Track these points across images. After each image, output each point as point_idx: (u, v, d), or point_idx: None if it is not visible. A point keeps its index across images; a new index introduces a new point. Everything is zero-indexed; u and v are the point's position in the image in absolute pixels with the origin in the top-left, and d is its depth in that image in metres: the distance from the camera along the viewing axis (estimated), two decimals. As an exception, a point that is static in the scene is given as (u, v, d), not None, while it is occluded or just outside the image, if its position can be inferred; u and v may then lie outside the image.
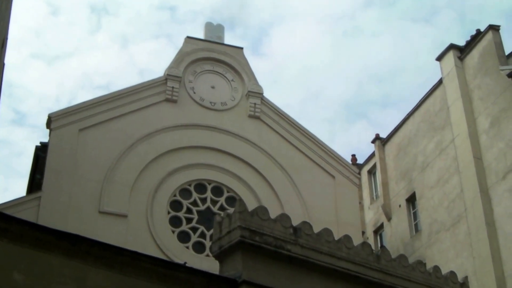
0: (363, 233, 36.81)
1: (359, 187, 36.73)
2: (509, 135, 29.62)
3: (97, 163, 29.47)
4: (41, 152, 30.26)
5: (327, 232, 16.33)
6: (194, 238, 30.04)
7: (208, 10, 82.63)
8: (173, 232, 29.76)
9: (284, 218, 15.81)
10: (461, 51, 33.89)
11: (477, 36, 33.08)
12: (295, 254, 15.40)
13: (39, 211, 27.46)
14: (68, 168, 28.88)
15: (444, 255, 31.24)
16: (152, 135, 31.08)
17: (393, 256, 17.55)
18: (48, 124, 29.83)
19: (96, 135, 30.27)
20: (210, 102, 33.17)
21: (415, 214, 35.32)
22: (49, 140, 29.68)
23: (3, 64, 27.34)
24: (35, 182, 30.59)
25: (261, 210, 15.54)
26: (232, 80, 34.25)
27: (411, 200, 35.61)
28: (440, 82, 34.82)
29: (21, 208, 26.97)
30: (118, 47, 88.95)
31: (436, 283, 17.92)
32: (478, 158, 30.95)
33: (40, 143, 30.55)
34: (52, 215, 26.93)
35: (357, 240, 18.01)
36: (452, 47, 34.30)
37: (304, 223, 16.18)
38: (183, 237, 29.88)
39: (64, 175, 28.64)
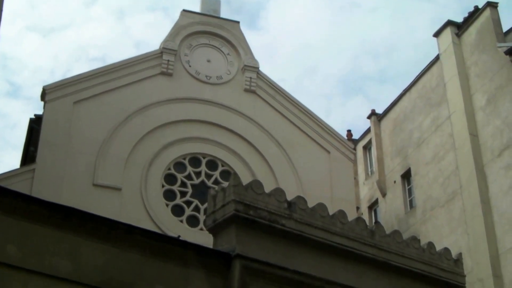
0: (358, 208, 36.82)
1: (354, 162, 36.66)
2: (505, 113, 29.56)
3: (91, 135, 29.37)
4: (35, 124, 30.14)
5: (321, 207, 16.29)
6: (188, 211, 30.02)
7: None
8: (167, 205, 29.73)
9: (278, 192, 15.75)
10: (459, 28, 33.73)
11: (475, 13, 32.90)
12: (289, 229, 15.36)
13: (32, 184, 27.38)
14: (62, 140, 28.76)
15: (439, 232, 31.26)
16: (147, 108, 30.97)
17: (388, 232, 17.53)
18: (43, 97, 29.68)
19: (91, 107, 30.15)
20: (206, 76, 33.04)
21: (410, 190, 35.33)
22: (43, 113, 29.54)
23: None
24: (29, 154, 30.51)
25: (256, 184, 15.48)
26: (228, 54, 34.10)
27: (406, 176, 35.59)
28: (437, 58, 34.69)
29: (14, 180, 26.88)
30: (114, 19, 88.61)
31: (430, 260, 17.91)
32: (474, 135, 30.89)
33: (35, 115, 30.42)
34: (45, 188, 26.85)
35: (351, 216, 17.95)
36: (449, 23, 34.13)
37: (299, 197, 16.13)
38: (177, 211, 29.86)
39: (58, 148, 28.54)
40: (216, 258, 14.53)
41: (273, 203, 15.37)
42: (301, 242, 15.56)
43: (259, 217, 15.01)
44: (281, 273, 14.84)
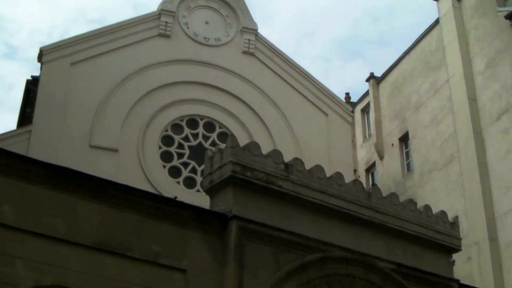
0: (355, 171, 36.80)
1: (352, 125, 36.62)
2: (504, 77, 29.45)
3: (88, 97, 29.23)
4: (32, 86, 30.03)
5: (318, 169, 16.29)
6: (185, 173, 30.02)
7: None
8: (164, 167, 29.71)
9: (275, 154, 15.75)
10: (459, -9, 33.49)
11: (476, -24, 32.66)
12: (286, 190, 15.38)
13: (29, 145, 27.30)
14: (59, 102, 28.64)
15: (436, 195, 31.30)
16: (144, 70, 30.80)
17: (384, 194, 17.56)
18: (40, 58, 29.50)
19: (88, 69, 29.98)
20: (204, 38, 32.83)
21: (407, 154, 35.31)
22: (40, 74, 29.38)
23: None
24: (26, 116, 30.43)
25: (253, 146, 15.47)
26: (227, 16, 33.86)
27: (404, 139, 35.55)
28: (436, 22, 34.46)
29: (11, 141, 26.78)
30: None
31: (427, 222, 17.97)
32: (472, 99, 30.81)
33: (31, 76, 30.28)
34: (42, 149, 26.75)
35: (348, 178, 17.97)
36: (450, -14, 33.87)
37: (296, 159, 16.12)
38: (174, 172, 29.85)
39: (55, 109, 28.42)
40: (212, 219, 14.57)
41: (270, 165, 15.37)
42: (298, 204, 15.59)
43: (256, 179, 15.02)
44: (277, 234, 14.89)
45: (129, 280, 13.18)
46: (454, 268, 18.83)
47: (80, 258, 12.78)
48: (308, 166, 16.18)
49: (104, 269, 12.96)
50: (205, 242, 14.29)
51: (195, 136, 30.89)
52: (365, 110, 39.84)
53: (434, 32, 34.56)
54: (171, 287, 13.65)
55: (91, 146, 28.38)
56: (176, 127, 30.77)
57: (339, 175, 16.65)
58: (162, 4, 32.64)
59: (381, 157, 36.65)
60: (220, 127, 31.34)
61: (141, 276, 13.34)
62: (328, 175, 16.47)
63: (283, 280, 14.69)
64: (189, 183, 29.81)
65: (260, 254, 14.55)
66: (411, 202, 18.15)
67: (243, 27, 33.47)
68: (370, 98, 38.60)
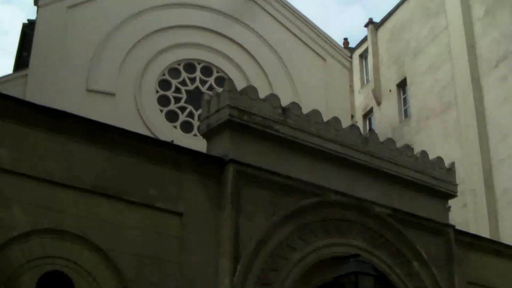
0: (352, 117, 36.82)
1: (350, 70, 36.53)
2: (503, 24, 29.26)
3: (85, 41, 29.06)
4: (28, 29, 29.84)
5: (315, 113, 16.25)
6: (182, 117, 30.00)
7: None
8: (161, 111, 29.69)
9: (273, 98, 15.69)
10: None
11: None
12: (283, 134, 15.35)
13: (25, 89, 27.24)
14: (56, 45, 28.48)
15: (433, 141, 31.32)
16: (142, 13, 30.57)
17: (381, 140, 17.55)
18: (36, 1, 29.25)
19: (85, 12, 29.74)
20: (201, -19, 32.55)
21: (405, 100, 35.26)
22: (36, 18, 29.18)
23: None
24: (22, 60, 30.31)
25: (250, 90, 15.40)
26: (224, -41, 33.51)
27: (402, 85, 35.46)
28: (436, -34, 34.16)
29: (7, 85, 26.65)
30: None
31: (423, 168, 17.98)
32: (471, 46, 30.66)
33: (28, 20, 30.12)
34: (38, 93, 26.63)
35: (346, 124, 17.94)
36: None
37: (293, 103, 16.07)
38: (171, 117, 29.85)
39: (51, 53, 28.27)
40: (209, 163, 14.56)
41: (267, 109, 15.32)
42: (295, 148, 15.58)
43: (253, 123, 14.98)
44: (274, 178, 14.91)
45: (126, 224, 13.21)
46: (450, 214, 18.91)
47: (76, 201, 12.78)
48: (305, 111, 16.14)
49: (100, 212, 12.98)
50: (202, 186, 14.31)
51: (192, 80, 30.80)
52: (363, 56, 39.65)
53: (434, -23, 34.25)
54: (167, 230, 13.70)
55: (88, 90, 28.34)
56: (173, 71, 30.68)
57: (336, 120, 16.61)
58: None
59: (379, 103, 36.60)
60: (217, 72, 31.25)
61: (138, 220, 13.36)
62: (325, 120, 16.43)
63: (280, 224, 14.75)
64: (186, 127, 29.83)
65: (257, 198, 14.58)
66: (408, 147, 18.14)
67: (241, -29, 33.17)
68: (368, 43, 38.39)
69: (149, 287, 13.15)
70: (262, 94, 15.69)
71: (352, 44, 40.45)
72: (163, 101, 29.97)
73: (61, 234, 12.43)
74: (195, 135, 28.86)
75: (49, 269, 12.24)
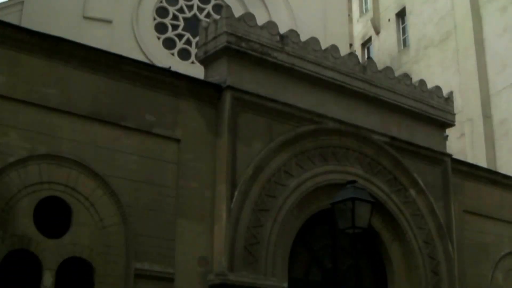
0: (351, 45, 36.60)
1: (349, -1, 36.25)
2: (505, -47, 28.93)
3: (82, -34, 28.66)
4: (24, -46, 29.35)
5: (314, 41, 16.16)
6: (180, 45, 29.79)
7: None
8: (159, 38, 29.46)
9: (271, 25, 15.58)
10: None
11: None
12: (281, 62, 15.29)
13: (21, 16, 26.91)
14: (52, -30, 28.09)
15: (431, 71, 31.21)
16: None
17: (380, 69, 17.49)
18: None
19: None
20: None
21: (404, 29, 34.99)
22: None
23: None
24: (19, -14, 29.86)
25: (248, 17, 15.28)
26: None
27: (401, 14, 35.15)
28: None
29: (3, 12, 26.35)
30: None
31: (421, 97, 17.97)
32: (471, -24, 30.35)
33: None
34: (35, 20, 26.26)
35: (344, 52, 17.87)
36: None
37: (291, 31, 15.97)
38: (169, 44, 29.64)
39: (47, -22, 27.91)
40: (207, 89, 14.53)
41: (265, 36, 15.22)
42: (293, 75, 15.53)
43: (251, 50, 14.91)
44: (271, 105, 14.89)
45: (123, 149, 13.24)
46: (447, 143, 18.98)
47: (74, 127, 12.78)
48: (303, 38, 16.04)
49: (98, 138, 13.00)
50: (199, 112, 14.30)
51: (190, 7, 30.50)
52: (362, -16, 39.26)
53: None
54: (165, 156, 13.75)
55: (85, 17, 28.03)
56: (171, -2, 30.38)
57: (334, 48, 16.52)
58: None
59: (377, 32, 36.33)
60: (215, -1, 30.95)
61: (135, 146, 13.40)
62: (323, 48, 16.35)
63: (277, 151, 14.79)
64: (184, 54, 29.64)
65: (254, 125, 14.60)
66: (406, 76, 18.09)
67: None
68: (367, -28, 37.98)
69: (146, 212, 13.25)
70: (260, 21, 15.58)
71: (352, -28, 40.05)
72: (160, 28, 29.72)
73: (58, 160, 12.46)
74: (192, 62, 28.68)
75: (46, 194, 12.30)
